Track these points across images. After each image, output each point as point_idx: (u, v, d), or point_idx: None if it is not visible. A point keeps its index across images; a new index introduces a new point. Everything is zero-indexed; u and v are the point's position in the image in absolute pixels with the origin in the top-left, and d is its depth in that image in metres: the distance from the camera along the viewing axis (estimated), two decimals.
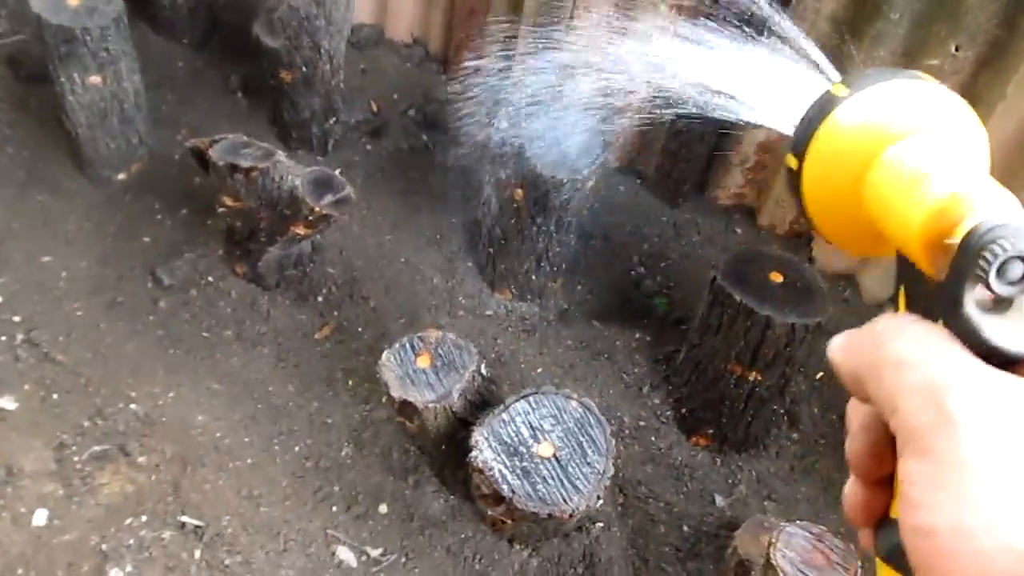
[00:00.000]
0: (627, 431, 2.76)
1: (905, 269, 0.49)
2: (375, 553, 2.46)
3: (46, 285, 2.88)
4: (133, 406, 2.65)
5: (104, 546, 2.39)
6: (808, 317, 2.41)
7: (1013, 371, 0.40)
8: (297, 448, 2.63)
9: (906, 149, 0.49)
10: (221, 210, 2.68)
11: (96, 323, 2.81)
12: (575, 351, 2.93)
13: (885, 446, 0.46)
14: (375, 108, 3.45)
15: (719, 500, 2.68)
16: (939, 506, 0.37)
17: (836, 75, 0.62)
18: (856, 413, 0.48)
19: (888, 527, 0.48)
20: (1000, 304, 0.41)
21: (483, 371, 2.39)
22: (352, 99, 3.38)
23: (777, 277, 2.50)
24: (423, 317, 2.93)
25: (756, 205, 3.34)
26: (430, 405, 2.28)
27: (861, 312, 3.14)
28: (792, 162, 0.58)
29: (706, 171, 3.33)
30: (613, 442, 2.24)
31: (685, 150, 3.16)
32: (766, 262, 2.55)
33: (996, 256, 0.40)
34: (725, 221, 3.37)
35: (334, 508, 2.53)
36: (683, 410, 2.80)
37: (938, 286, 0.44)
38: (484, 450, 2.18)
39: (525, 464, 2.18)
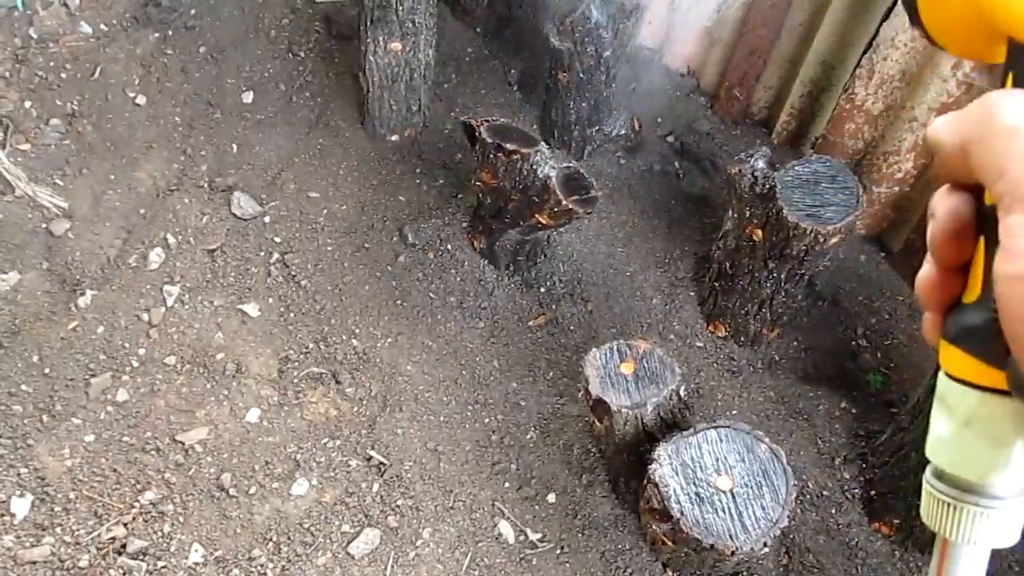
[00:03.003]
0: (809, 496, 2.69)
1: (1017, 58, 0.49)
2: (534, 537, 2.53)
3: (308, 217, 3.17)
4: (354, 341, 2.86)
5: (299, 456, 2.60)
6: None
7: None
8: (487, 420, 2.75)
9: None
10: (476, 184, 2.85)
11: (342, 261, 3.07)
12: (775, 404, 2.88)
13: (968, 232, 0.49)
14: (637, 127, 3.54)
15: None
16: None
17: None
18: (943, 201, 0.50)
19: (960, 311, 0.50)
20: None
21: (682, 393, 2.41)
22: (618, 114, 3.49)
23: None
24: (635, 332, 2.98)
25: None
26: (623, 410, 2.32)
27: None
28: None
29: None
30: (793, 496, 2.20)
31: None
32: None
33: None
34: None
35: (507, 484, 2.63)
36: (873, 492, 2.69)
37: None
38: (664, 465, 2.20)
39: (700, 491, 2.19)
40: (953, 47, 0.58)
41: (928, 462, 0.54)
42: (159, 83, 3.44)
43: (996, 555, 0.53)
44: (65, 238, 2.96)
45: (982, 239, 0.49)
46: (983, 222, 0.49)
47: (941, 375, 0.53)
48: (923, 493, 0.55)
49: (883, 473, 2.65)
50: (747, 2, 3.31)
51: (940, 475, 0.53)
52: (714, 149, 3.53)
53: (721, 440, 2.28)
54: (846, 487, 2.73)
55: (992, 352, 0.47)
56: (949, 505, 0.52)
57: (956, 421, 0.51)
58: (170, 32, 3.59)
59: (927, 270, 0.52)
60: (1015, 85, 0.49)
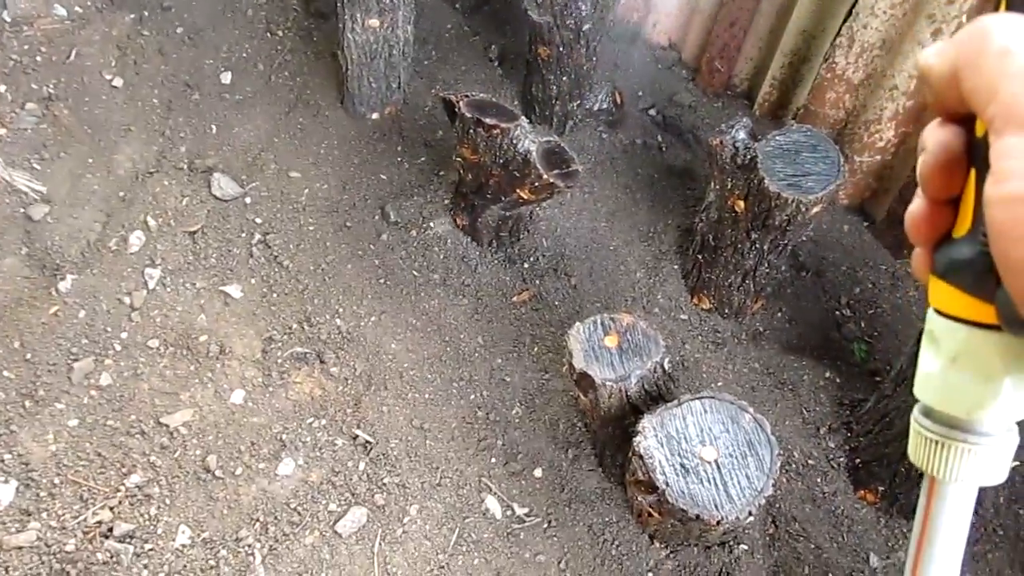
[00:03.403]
0: (794, 466, 2.71)
1: None
2: (521, 511, 2.54)
3: (289, 197, 3.15)
4: (338, 321, 2.86)
5: (284, 436, 2.60)
6: None
7: None
8: (472, 396, 2.75)
9: None
10: (457, 160, 2.83)
11: (324, 240, 3.05)
12: (760, 375, 2.89)
13: (958, 164, 0.48)
14: (618, 100, 3.52)
15: (874, 560, 2.58)
16: None
17: None
18: (934, 133, 0.49)
19: (949, 245, 0.50)
20: None
21: (666, 365, 2.42)
22: (599, 88, 3.47)
23: None
24: (619, 306, 2.98)
25: None
26: (607, 383, 2.33)
27: None
28: None
29: None
30: (778, 465, 2.21)
31: None
32: None
33: None
34: None
35: (493, 460, 2.64)
36: (857, 460, 2.71)
37: None
38: (648, 437, 2.21)
39: (685, 462, 2.19)
40: None
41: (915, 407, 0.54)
42: (136, 65, 3.41)
43: (984, 493, 0.53)
44: (44, 222, 2.93)
45: (972, 172, 0.49)
46: (974, 154, 0.48)
47: (930, 311, 0.52)
48: (911, 432, 0.54)
49: (867, 441, 2.67)
50: None
51: (928, 413, 0.52)
52: (696, 122, 3.52)
53: (705, 411, 2.28)
54: (831, 456, 2.74)
55: (981, 285, 0.47)
56: (937, 443, 0.51)
57: (944, 357, 0.51)
58: (146, 13, 3.55)
59: (917, 204, 0.52)
60: (1008, 8, 0.48)
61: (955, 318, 0.50)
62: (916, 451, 0.53)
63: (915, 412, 0.54)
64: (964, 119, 0.49)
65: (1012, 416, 0.50)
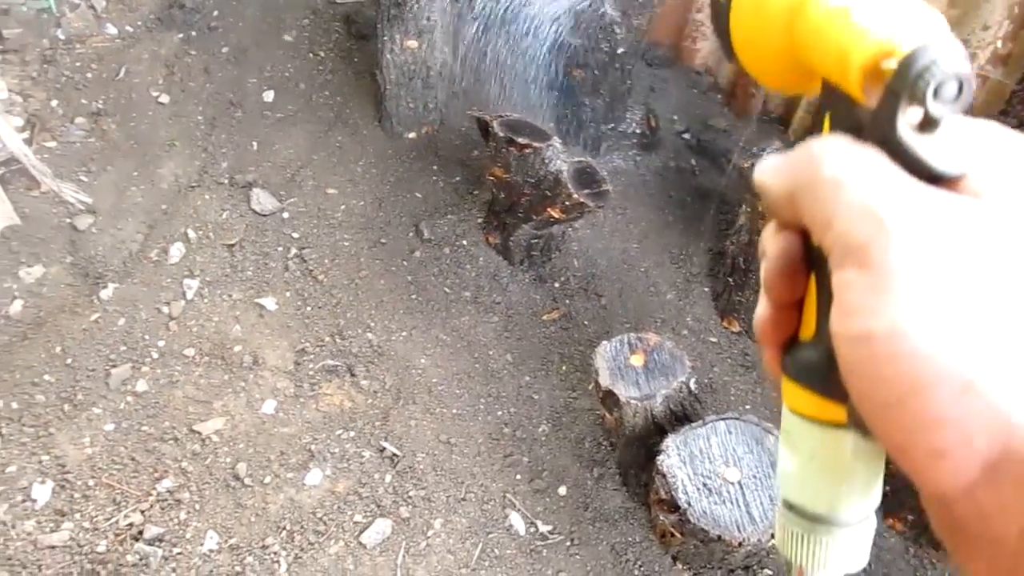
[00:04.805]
0: None
1: (831, 99, 0.48)
2: (544, 528, 2.55)
3: (325, 213, 3.21)
4: (369, 335, 2.90)
5: (313, 447, 2.64)
6: None
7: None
8: (500, 413, 2.77)
9: None
10: (489, 179, 2.88)
11: (358, 256, 3.10)
12: None
13: (799, 270, 0.48)
14: (652, 124, 3.55)
15: None
16: (877, 311, 0.38)
17: None
18: (773, 239, 0.49)
19: (797, 348, 0.50)
20: (928, 126, 0.42)
21: (692, 386, 2.42)
22: (633, 111, 3.50)
23: None
24: (648, 327, 2.99)
25: None
26: (632, 401, 2.34)
27: None
28: None
29: None
30: None
31: None
32: None
33: (934, 76, 0.40)
34: None
35: (518, 476, 2.65)
36: (887, 488, 2.68)
37: (871, 112, 0.44)
38: (672, 456, 2.22)
39: (708, 482, 2.20)
40: (769, 82, 0.57)
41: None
42: (182, 83, 3.50)
43: None
44: (89, 233, 3.02)
45: (813, 277, 0.49)
46: (813, 259, 0.48)
47: (784, 411, 0.52)
48: (776, 525, 0.56)
49: (896, 468, 2.64)
50: None
51: (791, 507, 0.54)
52: (730, 146, 3.53)
53: (730, 432, 2.28)
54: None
55: (830, 387, 0.47)
56: (802, 536, 0.53)
57: (801, 455, 0.51)
58: (193, 33, 3.65)
59: (762, 308, 0.51)
60: (832, 127, 0.49)
61: (808, 418, 0.50)
62: (783, 543, 0.54)
63: (779, 505, 0.55)
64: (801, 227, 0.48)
65: (869, 507, 0.51)
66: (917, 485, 0.41)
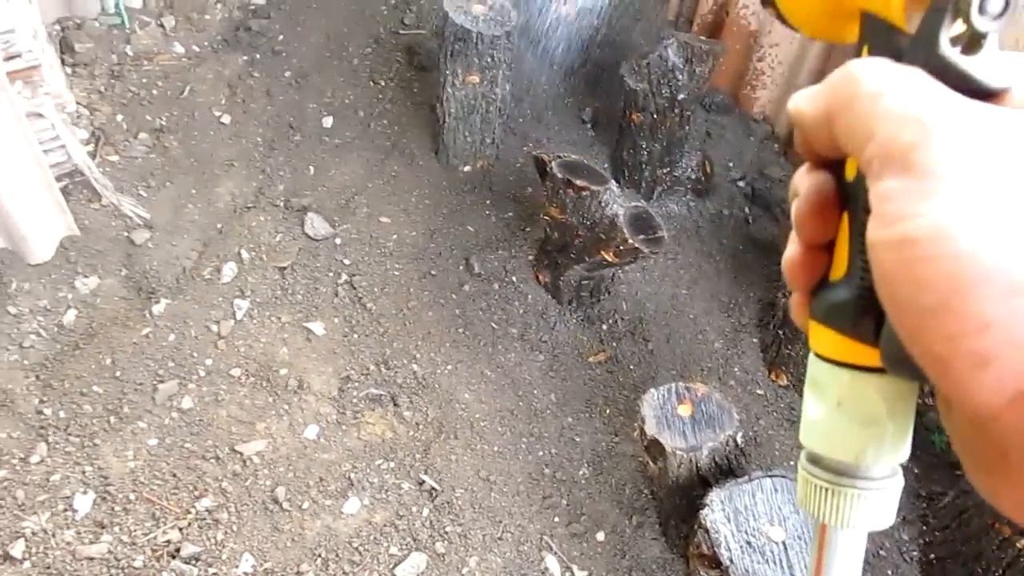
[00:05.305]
0: (865, 555, 2.62)
1: (871, 31, 0.48)
2: (580, 574, 2.52)
3: (378, 241, 3.23)
4: (414, 366, 2.90)
5: (353, 475, 2.63)
6: None
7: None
8: (541, 453, 2.75)
9: None
10: (544, 218, 2.88)
11: (408, 286, 3.11)
12: None
13: (832, 209, 0.48)
14: (708, 170, 3.54)
15: None
16: (921, 214, 0.37)
17: None
18: (805, 179, 0.49)
19: (827, 289, 0.49)
20: (973, 43, 0.41)
21: (739, 440, 2.39)
22: (689, 156, 3.50)
23: None
24: (695, 374, 2.96)
25: None
26: (678, 452, 2.31)
27: None
28: None
29: None
30: None
31: None
32: None
33: None
34: None
35: (556, 519, 2.62)
36: (932, 556, 2.62)
37: (912, 37, 0.44)
38: (716, 510, 2.18)
39: (752, 540, 2.15)
40: (808, 28, 0.57)
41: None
42: (244, 104, 3.55)
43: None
44: (145, 247, 3.06)
45: (845, 216, 0.48)
46: (846, 198, 0.48)
47: (812, 357, 0.52)
48: (799, 479, 0.54)
49: (943, 537, 2.58)
50: (826, 51, 3.30)
51: (815, 460, 0.52)
52: (785, 196, 3.51)
53: (776, 490, 2.24)
54: (903, 548, 2.66)
55: (861, 328, 0.47)
56: (825, 490, 0.51)
57: (828, 403, 0.50)
58: (258, 56, 3.71)
59: (792, 250, 0.51)
60: (871, 53, 0.48)
61: (837, 362, 0.49)
62: (805, 498, 0.53)
63: (802, 459, 0.54)
64: (833, 164, 0.48)
65: (897, 458, 0.49)
66: (954, 405, 0.39)
